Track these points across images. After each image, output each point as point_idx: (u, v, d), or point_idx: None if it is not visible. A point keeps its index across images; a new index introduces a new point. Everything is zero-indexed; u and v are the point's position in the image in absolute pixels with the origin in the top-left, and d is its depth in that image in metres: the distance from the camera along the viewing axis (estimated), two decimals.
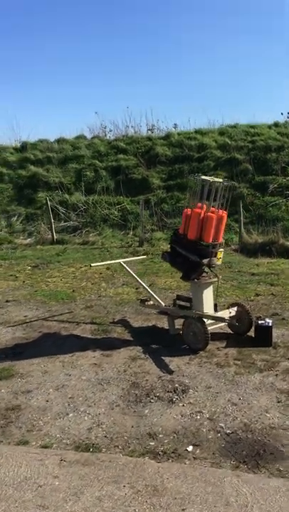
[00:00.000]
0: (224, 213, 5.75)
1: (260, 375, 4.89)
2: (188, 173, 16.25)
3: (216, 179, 5.74)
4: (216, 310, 5.84)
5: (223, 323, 6.03)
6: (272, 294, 7.94)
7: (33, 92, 45.74)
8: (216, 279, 5.90)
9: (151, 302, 6.61)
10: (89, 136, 20.35)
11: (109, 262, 7.97)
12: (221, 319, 5.61)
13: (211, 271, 5.92)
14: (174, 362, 5.28)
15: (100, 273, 9.95)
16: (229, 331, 6.07)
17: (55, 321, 6.90)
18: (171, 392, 4.59)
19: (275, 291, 8.09)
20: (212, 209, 5.77)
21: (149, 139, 18.84)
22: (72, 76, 50.09)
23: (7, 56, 48.38)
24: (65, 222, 15.47)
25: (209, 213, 5.61)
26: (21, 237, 15.21)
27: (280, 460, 3.46)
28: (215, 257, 5.77)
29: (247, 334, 5.98)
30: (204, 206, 5.79)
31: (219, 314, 5.84)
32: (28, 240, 14.88)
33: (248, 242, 12.13)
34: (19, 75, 49.80)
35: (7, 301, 8.02)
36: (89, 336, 6.20)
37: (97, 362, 5.35)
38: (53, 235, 14.26)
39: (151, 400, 4.42)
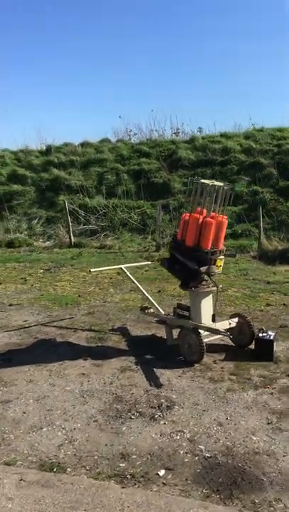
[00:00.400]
0: (224, 218, 5.43)
1: (254, 393, 4.55)
2: (210, 178, 15.91)
3: (217, 183, 5.43)
4: (214, 320, 5.50)
5: (228, 333, 5.70)
6: (283, 304, 7.54)
7: (60, 95, 46.14)
8: (215, 288, 5.57)
9: (152, 310, 6.34)
10: (113, 139, 20.23)
11: (109, 267, 7.74)
12: (216, 331, 5.28)
13: (211, 279, 5.60)
14: (165, 375, 4.99)
15: (110, 278, 9.74)
16: (230, 342, 5.72)
17: (53, 326, 6.71)
18: (155, 407, 4.30)
19: (288, 301, 7.68)
20: (212, 214, 5.47)
21: (173, 142, 18.59)
22: (98, 78, 50.31)
23: (36, 57, 48.97)
24: (84, 225, 15.34)
25: (208, 219, 5.30)
26: (40, 240, 15.17)
27: (257, 491, 3.13)
28: (214, 264, 5.47)
29: (249, 347, 5.61)
30: (204, 211, 5.49)
31: (218, 325, 5.51)
32: (47, 243, 14.82)
33: (268, 249, 11.70)
34: (46, 77, 50.38)
35: (10, 305, 7.89)
36: (83, 344, 5.98)
37: (85, 372, 5.11)
38: (71, 238, 14.16)
39: (132, 416, 4.15)
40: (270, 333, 5.48)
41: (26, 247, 14.33)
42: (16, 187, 17.67)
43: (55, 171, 17.96)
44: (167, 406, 4.32)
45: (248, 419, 4.07)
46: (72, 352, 5.69)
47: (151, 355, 5.55)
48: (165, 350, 5.63)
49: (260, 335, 5.42)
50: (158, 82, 45.89)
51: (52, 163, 18.64)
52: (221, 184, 5.43)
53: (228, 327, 5.62)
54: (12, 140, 36.01)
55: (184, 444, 3.72)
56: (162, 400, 4.43)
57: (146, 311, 6.33)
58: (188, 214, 5.48)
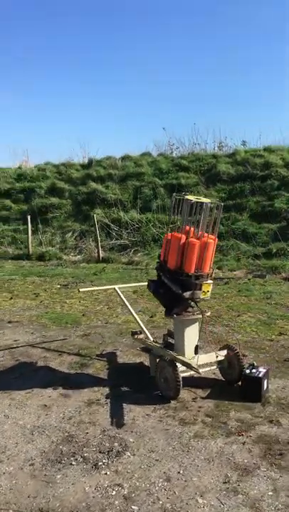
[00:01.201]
0: (211, 239, 4.87)
1: (223, 441, 3.94)
2: (249, 193, 15.21)
3: (204, 199, 4.89)
4: (196, 352, 4.93)
5: (213, 367, 5.13)
6: None
7: (104, 107, 46.72)
8: (200, 316, 4.99)
9: (142, 336, 5.82)
10: (155, 153, 19.93)
11: (102, 287, 7.29)
12: (189, 366, 4.70)
13: (197, 306, 5.03)
14: (133, 412, 4.47)
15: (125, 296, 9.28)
16: (222, 376, 5.14)
17: (41, 348, 6.35)
18: (104, 452, 3.79)
19: None
20: (202, 234, 4.93)
21: (214, 156, 18.03)
22: (142, 89, 50.46)
23: (84, 72, 49.85)
24: (116, 240, 15.03)
25: (191, 239, 4.76)
26: (71, 254, 15.01)
27: None
28: (199, 289, 4.89)
29: (238, 384, 4.98)
30: (192, 230, 4.96)
31: (202, 358, 4.93)
32: (77, 257, 14.62)
33: None
34: (91, 89, 51.17)
35: (9, 322, 7.63)
36: (62, 370, 5.56)
37: (48, 403, 4.68)
38: (99, 253, 13.88)
39: (73, 462, 3.67)
40: (261, 369, 4.83)
41: (55, 261, 14.17)
42: (53, 200, 17.69)
43: (93, 185, 17.84)
44: (118, 452, 3.80)
45: (203, 474, 3.48)
46: (47, 379, 5.29)
47: (129, 387, 5.04)
48: (146, 382, 5.12)
49: (248, 371, 4.77)
50: (201, 93, 45.31)
51: (91, 176, 18.55)
52: (208, 201, 4.88)
53: (214, 360, 5.03)
54: (57, 153, 36.71)
55: (116, 502, 3.19)
56: (116, 444, 3.92)
57: (135, 336, 5.82)
58: (170, 233, 4.96)
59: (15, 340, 6.70)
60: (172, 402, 4.68)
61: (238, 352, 5.04)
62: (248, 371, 4.79)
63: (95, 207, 16.87)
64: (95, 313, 8.15)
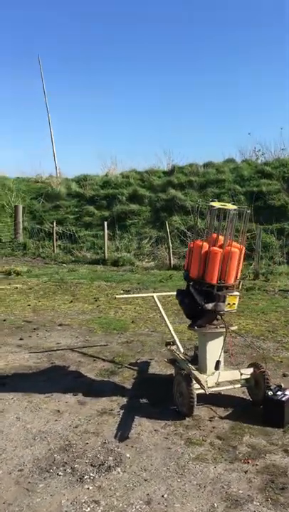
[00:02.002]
0: (236, 248, 4.57)
1: (224, 467, 3.65)
2: None
3: (229, 206, 4.62)
4: (217, 368, 4.63)
5: (238, 385, 4.82)
6: None
7: (188, 116, 46.38)
8: (224, 330, 4.71)
9: (174, 347, 5.63)
10: (239, 159, 19.44)
11: (140, 294, 7.14)
12: (199, 382, 4.41)
13: (222, 319, 4.75)
14: (141, 426, 4.31)
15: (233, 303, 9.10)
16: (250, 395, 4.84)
17: (80, 352, 6.39)
18: (95, 466, 3.68)
19: None
20: (232, 243, 4.67)
21: None
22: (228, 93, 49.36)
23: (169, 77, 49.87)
24: None
25: (213, 248, 4.51)
26: (146, 260, 15.04)
27: None
28: (223, 302, 4.62)
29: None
30: (219, 239, 4.72)
31: (223, 375, 4.64)
32: (150, 264, 14.63)
33: None
34: (176, 94, 51.04)
35: (60, 325, 7.79)
36: (90, 376, 5.53)
37: (62, 409, 4.67)
38: (170, 260, 13.77)
39: (61, 473, 3.59)
40: (287, 392, 4.43)
41: (128, 266, 14.29)
42: (133, 206, 17.90)
43: (173, 192, 17.81)
44: (109, 467, 3.66)
45: (188, 501, 3.24)
46: (71, 385, 5.28)
47: (148, 400, 4.88)
48: (167, 396, 4.91)
49: (271, 393, 4.40)
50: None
51: (171, 183, 18.54)
52: (233, 207, 4.59)
53: (238, 378, 4.71)
54: (144, 160, 37.26)
55: None
56: (110, 458, 3.78)
57: (168, 347, 5.64)
58: (194, 241, 4.74)
59: (57, 343, 6.79)
60: (187, 419, 4.43)
61: (264, 371, 4.66)
62: (271, 393, 4.40)
63: (173, 214, 16.79)
64: (145, 321, 8.04)
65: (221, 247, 4.57)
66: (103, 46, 54.93)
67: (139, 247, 16.08)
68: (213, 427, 4.29)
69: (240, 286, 4.79)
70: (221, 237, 4.73)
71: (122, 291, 10.62)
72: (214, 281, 4.52)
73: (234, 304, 4.69)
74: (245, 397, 4.94)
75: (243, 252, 4.68)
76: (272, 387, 4.55)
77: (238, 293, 4.70)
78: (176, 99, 52.79)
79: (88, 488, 3.39)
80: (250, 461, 3.73)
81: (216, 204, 4.60)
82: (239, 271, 4.69)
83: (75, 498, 3.28)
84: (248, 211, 4.70)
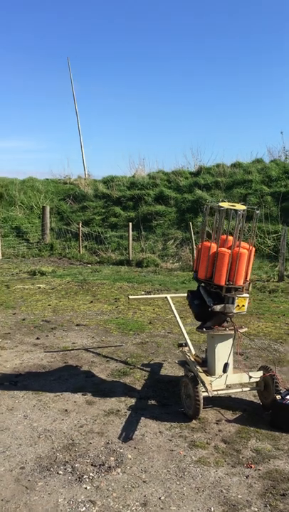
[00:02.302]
0: (245, 248, 4.50)
1: (226, 471, 3.60)
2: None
3: (238, 206, 4.56)
4: (225, 371, 4.57)
5: (247, 389, 4.75)
6: None
7: (221, 113, 45.98)
8: (233, 332, 4.64)
9: (186, 348, 5.59)
10: (268, 159, 19.17)
11: (152, 296, 7.10)
12: (203, 384, 4.36)
13: (231, 321, 4.69)
14: (146, 427, 4.30)
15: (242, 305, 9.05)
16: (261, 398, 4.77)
17: (94, 353, 6.41)
18: (96, 466, 3.69)
19: None
20: (242, 244, 4.61)
21: None
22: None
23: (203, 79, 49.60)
24: None
25: (221, 249, 4.46)
26: (170, 262, 14.99)
27: None
28: (232, 303, 4.56)
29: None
30: (229, 240, 4.66)
31: (231, 378, 4.57)
32: (175, 265, 14.58)
33: None
34: (207, 94, 50.60)
35: (77, 325, 7.84)
36: (101, 377, 5.54)
37: (70, 408, 4.70)
38: (193, 262, 13.65)
39: (60, 472, 3.61)
40: None
41: (152, 267, 14.28)
42: (158, 207, 17.89)
43: (199, 192, 17.70)
44: (109, 467, 3.66)
45: (184, 504, 3.21)
46: (81, 384, 5.31)
47: (156, 401, 4.86)
48: (176, 397, 4.88)
49: (278, 397, 4.31)
50: None
51: (198, 184, 18.44)
52: (243, 208, 4.52)
53: (247, 381, 4.64)
54: (172, 161, 37.21)
55: None
56: (111, 458, 3.78)
57: (180, 348, 5.60)
58: (202, 242, 4.70)
59: (73, 343, 6.84)
60: (193, 421, 4.39)
61: (273, 374, 4.57)
62: (279, 397, 4.31)
63: (198, 215, 16.68)
64: (162, 322, 8.01)
65: (230, 248, 4.50)
66: (131, 45, 55.18)
67: (164, 248, 16.05)
68: (219, 430, 4.24)
69: (249, 288, 4.70)
70: (231, 238, 4.66)
71: (142, 292, 10.61)
72: (222, 283, 4.46)
73: (243, 305, 4.62)
74: (255, 400, 4.86)
75: (253, 252, 4.60)
76: (281, 391, 4.46)
77: (247, 295, 4.62)
78: (207, 99, 52.55)
79: (86, 488, 3.40)
80: (252, 466, 3.67)
81: (225, 204, 4.54)
82: (249, 272, 4.61)
83: (72, 497, 3.29)
84: (257, 211, 4.60)
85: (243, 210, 4.52)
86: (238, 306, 4.60)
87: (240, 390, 4.69)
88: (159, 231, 17.08)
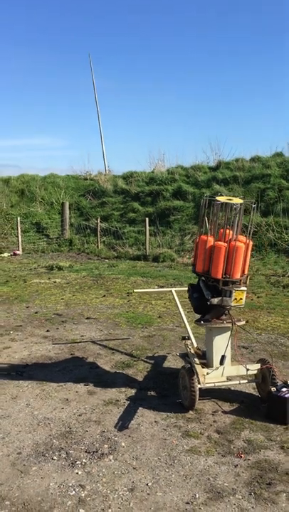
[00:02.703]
0: (242, 242, 4.55)
1: (215, 460, 3.68)
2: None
3: (236, 200, 4.60)
4: (222, 363, 4.63)
5: (244, 381, 4.81)
6: None
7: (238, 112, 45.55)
8: (230, 325, 4.70)
9: (189, 341, 5.67)
10: (288, 153, 18.98)
11: (158, 289, 7.18)
12: (197, 376, 4.42)
13: (229, 314, 4.75)
14: (143, 417, 4.40)
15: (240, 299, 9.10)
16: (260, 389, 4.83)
17: (101, 345, 6.55)
18: (89, 452, 3.81)
19: None
20: (239, 237, 4.66)
21: None
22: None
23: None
24: None
25: (217, 242, 4.52)
26: (187, 257, 15.03)
27: None
28: (229, 296, 4.62)
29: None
30: (228, 233, 4.72)
31: (228, 370, 4.64)
32: (191, 260, 14.58)
33: None
34: (229, 89, 50.07)
35: (87, 318, 7.98)
36: (104, 368, 5.67)
37: (71, 398, 4.83)
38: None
39: (55, 457, 3.75)
40: None
41: (168, 262, 14.34)
42: (176, 203, 17.93)
43: (217, 187, 17.66)
44: (102, 454, 3.78)
45: (170, 491, 3.30)
46: (85, 375, 5.45)
47: (156, 392, 4.96)
48: (176, 388, 4.96)
49: (274, 389, 4.36)
50: None
51: (216, 178, 18.41)
52: (240, 201, 4.57)
53: (244, 373, 4.69)
54: (192, 156, 37.10)
55: (68, 502, 3.20)
56: (105, 446, 3.90)
57: (184, 341, 5.68)
58: (199, 236, 4.76)
59: (81, 336, 6.98)
60: (190, 412, 4.47)
61: (270, 367, 4.61)
62: (274, 389, 4.36)
63: None
64: (172, 316, 8.09)
65: (227, 241, 4.55)
66: (152, 40, 55.09)
67: (182, 243, 16.09)
68: (214, 421, 4.31)
69: (247, 281, 4.74)
70: (229, 232, 4.71)
71: (156, 287, 10.69)
72: (219, 276, 4.51)
73: (241, 299, 4.67)
74: (254, 392, 4.91)
75: (250, 246, 4.63)
76: (278, 384, 4.50)
77: (245, 288, 4.66)
78: (228, 94, 52.15)
79: (78, 473, 3.52)
80: (242, 456, 3.73)
81: (222, 198, 4.59)
82: (246, 266, 4.66)
83: (64, 481, 3.42)
84: (253, 205, 4.64)
85: (240, 204, 4.56)
86: (236, 299, 4.66)
87: (237, 382, 4.73)
88: (177, 226, 17.12)
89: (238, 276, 4.58)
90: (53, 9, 55.99)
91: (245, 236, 4.65)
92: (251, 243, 4.67)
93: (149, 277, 11.87)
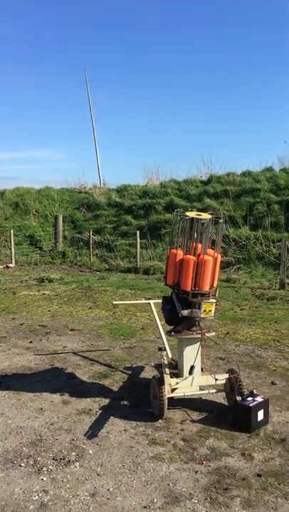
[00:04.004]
0: (210, 255, 4.72)
1: (177, 467, 3.82)
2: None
3: (204, 215, 4.78)
4: (191, 373, 4.77)
5: (213, 391, 4.95)
6: None
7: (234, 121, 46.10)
8: (199, 336, 4.85)
9: (165, 352, 5.80)
10: (278, 168, 19.25)
11: (136, 301, 7.34)
12: (164, 385, 4.56)
13: (198, 325, 4.91)
14: (113, 426, 4.53)
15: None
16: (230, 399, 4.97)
17: (82, 356, 6.68)
18: (56, 460, 3.94)
19: None
20: (207, 251, 4.84)
21: None
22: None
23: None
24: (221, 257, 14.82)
25: (186, 256, 4.70)
26: None
27: None
28: (199, 308, 4.78)
29: None
30: (199, 247, 4.89)
31: (197, 380, 4.78)
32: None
33: None
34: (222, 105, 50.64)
35: (71, 330, 8.12)
36: (82, 378, 5.80)
37: (45, 407, 4.96)
38: None
39: (23, 464, 3.87)
40: (258, 398, 4.52)
41: (158, 275, 14.50)
42: (168, 216, 18.12)
43: (208, 201, 17.91)
44: (68, 461, 3.91)
45: (130, 495, 3.44)
46: (61, 385, 5.57)
47: (129, 402, 5.09)
48: (149, 398, 5.09)
49: (240, 398, 4.50)
50: None
51: (207, 192, 18.64)
52: (208, 217, 4.75)
53: (213, 383, 4.83)
54: (185, 170, 37.58)
55: (31, 507, 3.32)
56: (73, 453, 4.03)
57: (160, 352, 5.81)
58: (170, 250, 4.94)
59: (63, 347, 7.11)
60: (160, 420, 4.60)
61: (237, 377, 4.76)
62: (240, 398, 4.50)
63: None
64: (154, 328, 8.20)
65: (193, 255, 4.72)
66: (149, 56, 55.92)
67: None
68: (182, 429, 4.44)
69: (216, 294, 4.90)
70: (200, 246, 4.88)
71: (143, 299, 10.83)
72: (188, 289, 4.67)
73: (210, 310, 4.82)
74: (224, 402, 5.04)
75: (218, 259, 4.80)
76: (244, 393, 4.64)
77: (214, 300, 4.82)
78: (222, 110, 52.82)
79: (43, 479, 3.65)
80: (204, 463, 3.86)
81: (191, 214, 4.76)
82: (215, 279, 4.82)
83: (28, 487, 3.55)
84: (220, 220, 4.82)
85: (209, 220, 4.73)
86: (205, 310, 4.81)
87: (206, 391, 4.87)
88: (168, 239, 17.27)
89: (206, 288, 4.73)
90: (52, 24, 56.80)
91: (214, 250, 4.82)
92: (220, 256, 4.83)
93: (137, 289, 12.02)
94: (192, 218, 4.73)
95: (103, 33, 56.55)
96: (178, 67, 55.18)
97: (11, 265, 16.91)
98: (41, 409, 4.91)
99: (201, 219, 4.67)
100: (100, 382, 5.64)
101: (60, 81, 55.68)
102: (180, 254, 4.74)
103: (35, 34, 57.11)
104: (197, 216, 4.75)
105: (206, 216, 4.76)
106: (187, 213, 4.79)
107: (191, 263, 4.63)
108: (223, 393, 5.04)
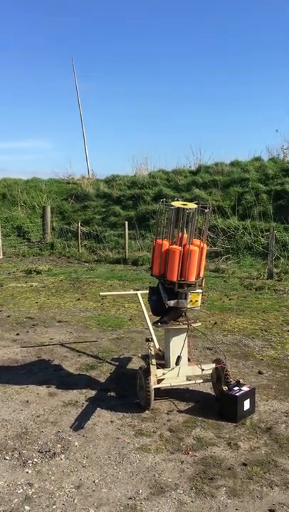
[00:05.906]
0: (196, 246, 4.68)
1: (163, 457, 3.80)
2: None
3: (190, 205, 4.74)
4: (177, 363, 4.76)
5: (200, 381, 4.94)
6: None
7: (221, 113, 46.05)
8: (185, 326, 4.83)
9: (152, 343, 5.78)
10: (266, 157, 19.22)
11: (124, 292, 7.31)
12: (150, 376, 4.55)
13: (185, 316, 4.88)
14: (99, 417, 4.51)
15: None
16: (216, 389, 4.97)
17: (69, 348, 6.64)
18: (41, 452, 3.91)
19: None
20: (193, 241, 4.80)
21: None
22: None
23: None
24: (209, 247, 14.84)
25: (172, 246, 4.66)
26: None
27: None
28: (185, 299, 4.75)
29: None
30: (185, 237, 4.86)
31: (184, 370, 4.77)
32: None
33: None
34: (211, 92, 50.61)
35: (59, 322, 8.07)
36: (68, 370, 5.77)
37: (31, 400, 4.92)
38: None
39: (7, 457, 3.84)
40: (244, 388, 4.52)
41: (147, 266, 14.45)
42: (156, 206, 18.00)
43: (196, 191, 17.85)
44: (54, 453, 3.88)
45: (115, 487, 3.42)
46: (48, 377, 5.54)
47: (116, 393, 5.07)
48: (135, 389, 5.07)
49: (226, 388, 4.50)
50: None
51: (196, 182, 18.57)
52: (194, 207, 4.71)
53: (199, 373, 4.82)
54: (174, 160, 37.46)
55: (15, 500, 3.29)
56: (58, 446, 4.01)
57: (147, 343, 5.79)
58: (156, 240, 4.90)
59: (50, 339, 7.07)
60: (146, 411, 4.59)
61: (223, 366, 4.75)
62: (226, 388, 4.50)
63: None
64: (142, 319, 8.17)
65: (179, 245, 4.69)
66: (138, 45, 55.54)
67: None
68: (168, 420, 4.43)
69: (203, 284, 4.88)
70: (186, 236, 4.84)
71: (131, 290, 10.79)
72: (174, 279, 4.64)
73: (197, 301, 4.80)
74: (211, 392, 5.04)
75: (205, 249, 4.77)
76: (231, 383, 4.64)
77: (200, 290, 4.80)
78: (210, 98, 52.69)
79: (28, 472, 3.62)
80: (190, 453, 3.85)
81: (177, 204, 4.72)
82: (201, 269, 4.79)
83: (13, 480, 3.52)
84: (206, 210, 4.78)
85: (195, 209, 4.70)
86: (192, 301, 4.79)
87: (193, 382, 4.86)
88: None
89: (192, 279, 4.71)
90: (38, 12, 56.08)
91: (200, 240, 4.78)
92: (206, 247, 4.80)
93: (126, 280, 11.98)
94: (178, 208, 4.68)
95: (92, 19, 55.91)
96: (168, 55, 54.76)
97: None
98: (27, 401, 4.88)
99: (187, 209, 4.62)
100: (87, 374, 5.61)
101: (47, 68, 55.01)
102: (166, 244, 4.70)
103: (18, 19, 56.30)
104: (183, 206, 4.71)
105: (191, 206, 4.71)
106: (173, 203, 4.75)
107: (177, 253, 4.60)
108: (210, 383, 5.02)
